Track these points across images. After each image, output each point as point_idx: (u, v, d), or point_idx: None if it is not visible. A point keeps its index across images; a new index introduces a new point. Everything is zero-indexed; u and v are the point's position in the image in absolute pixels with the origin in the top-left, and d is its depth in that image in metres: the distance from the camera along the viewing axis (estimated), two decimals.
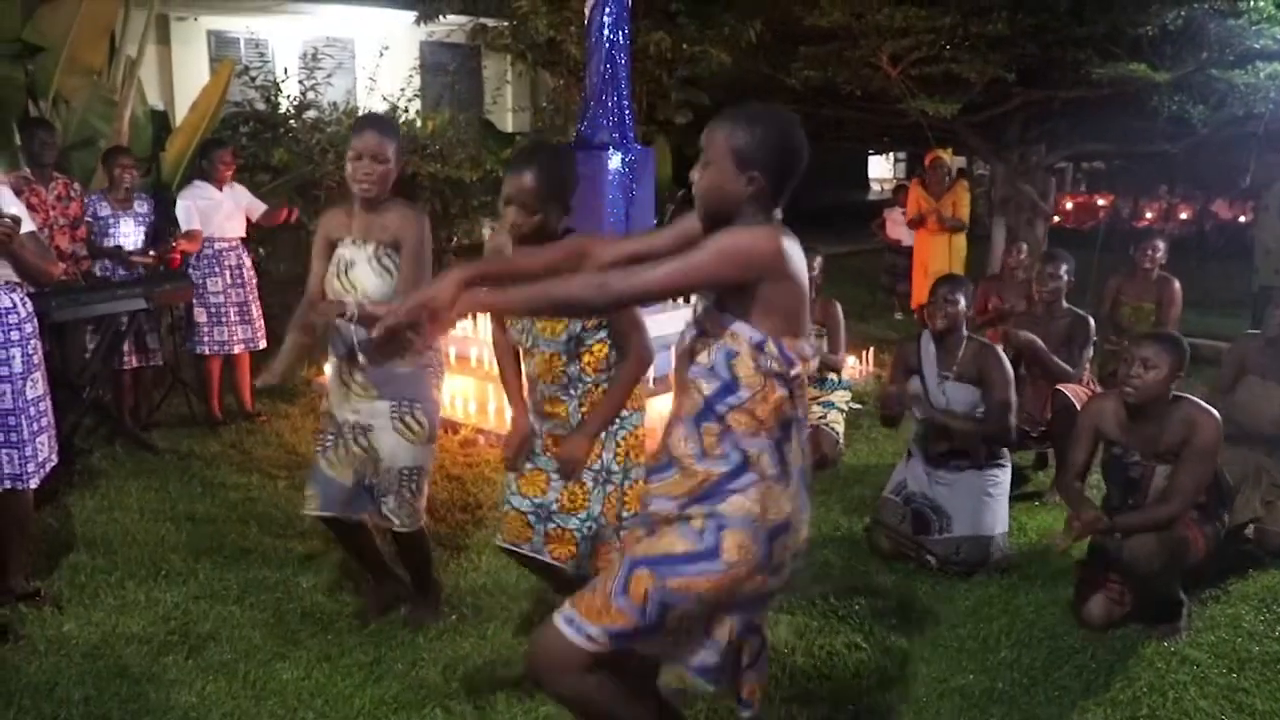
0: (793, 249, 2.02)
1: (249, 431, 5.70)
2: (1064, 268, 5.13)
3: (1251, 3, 7.87)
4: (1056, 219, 15.32)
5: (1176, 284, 5.82)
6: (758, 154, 2.03)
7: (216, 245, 5.68)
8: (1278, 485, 4.19)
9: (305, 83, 8.90)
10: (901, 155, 26.13)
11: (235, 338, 5.74)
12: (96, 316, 5.13)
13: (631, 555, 2.14)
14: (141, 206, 5.64)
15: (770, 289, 2.00)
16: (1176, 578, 3.47)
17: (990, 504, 4.06)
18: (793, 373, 2.06)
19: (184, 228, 5.58)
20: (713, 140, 2.08)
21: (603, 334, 2.86)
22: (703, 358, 2.09)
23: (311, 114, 8.75)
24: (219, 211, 5.67)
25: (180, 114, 8.44)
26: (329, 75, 9.16)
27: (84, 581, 3.75)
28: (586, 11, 5.97)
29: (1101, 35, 8.55)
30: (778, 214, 2.11)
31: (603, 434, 2.90)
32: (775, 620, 3.40)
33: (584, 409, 2.90)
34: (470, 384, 5.92)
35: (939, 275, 7.14)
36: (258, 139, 8.50)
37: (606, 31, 5.84)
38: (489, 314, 2.81)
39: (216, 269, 5.68)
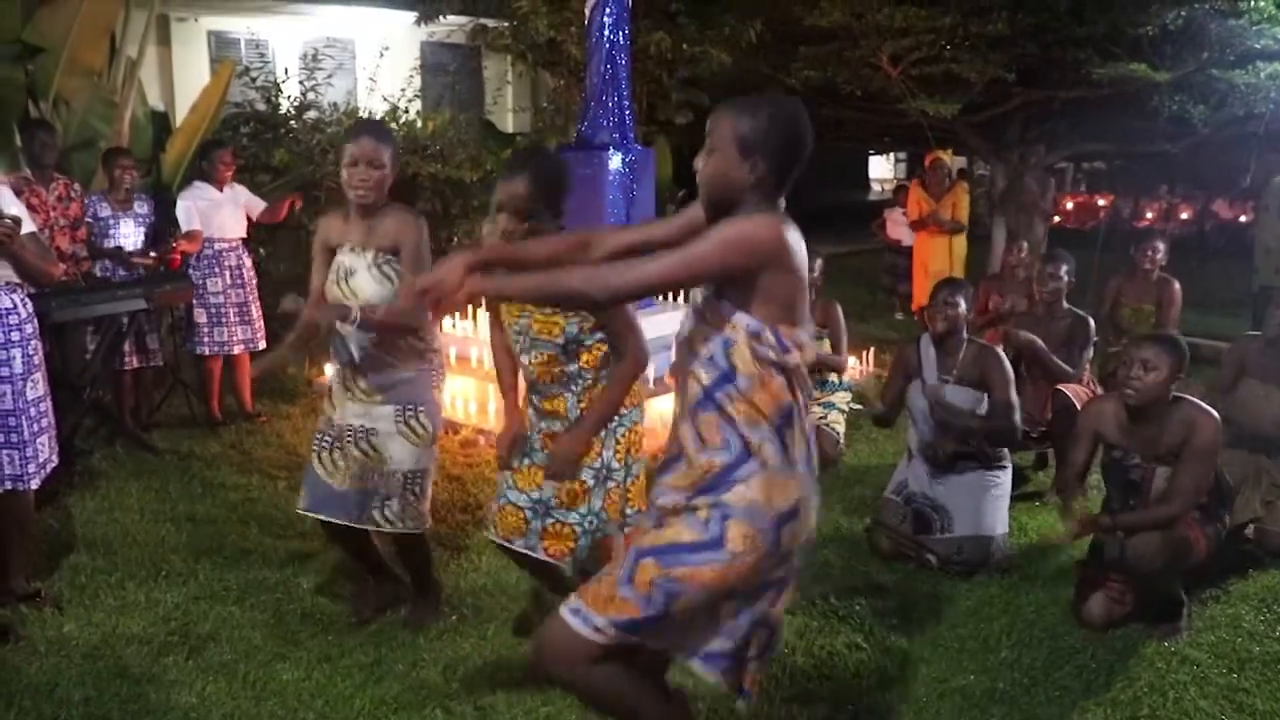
0: (795, 239, 2.02)
1: (249, 432, 5.70)
2: (1064, 268, 5.13)
3: (1252, 3, 7.87)
4: (1057, 219, 15.31)
5: (1176, 285, 5.82)
6: (762, 141, 2.03)
7: (216, 246, 5.68)
8: (1278, 485, 4.19)
9: (306, 83, 8.90)
10: (902, 155, 26.14)
11: (235, 338, 5.74)
12: (97, 317, 5.13)
13: (638, 546, 2.15)
14: (142, 207, 5.64)
15: (770, 278, 2.01)
16: (1178, 577, 3.47)
17: (992, 504, 4.06)
18: (789, 361, 2.06)
19: (184, 228, 5.58)
20: (717, 127, 2.08)
21: (600, 335, 2.86)
22: (701, 347, 2.10)
23: (312, 114, 8.76)
24: (219, 212, 5.67)
25: (181, 115, 8.44)
26: (329, 76, 9.16)
27: (84, 582, 3.75)
28: (587, 12, 5.97)
29: (1102, 35, 8.55)
30: (781, 203, 2.11)
31: (602, 432, 2.90)
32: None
33: (583, 405, 2.91)
34: (470, 384, 5.92)
35: (939, 275, 7.15)
36: (258, 140, 8.51)
37: (607, 32, 5.84)
38: (488, 303, 2.81)
39: (216, 269, 5.68)
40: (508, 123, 12.38)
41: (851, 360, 6.70)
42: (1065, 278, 5.12)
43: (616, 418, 2.93)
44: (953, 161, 9.57)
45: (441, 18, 10.39)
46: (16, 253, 3.26)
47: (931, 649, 3.40)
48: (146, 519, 4.41)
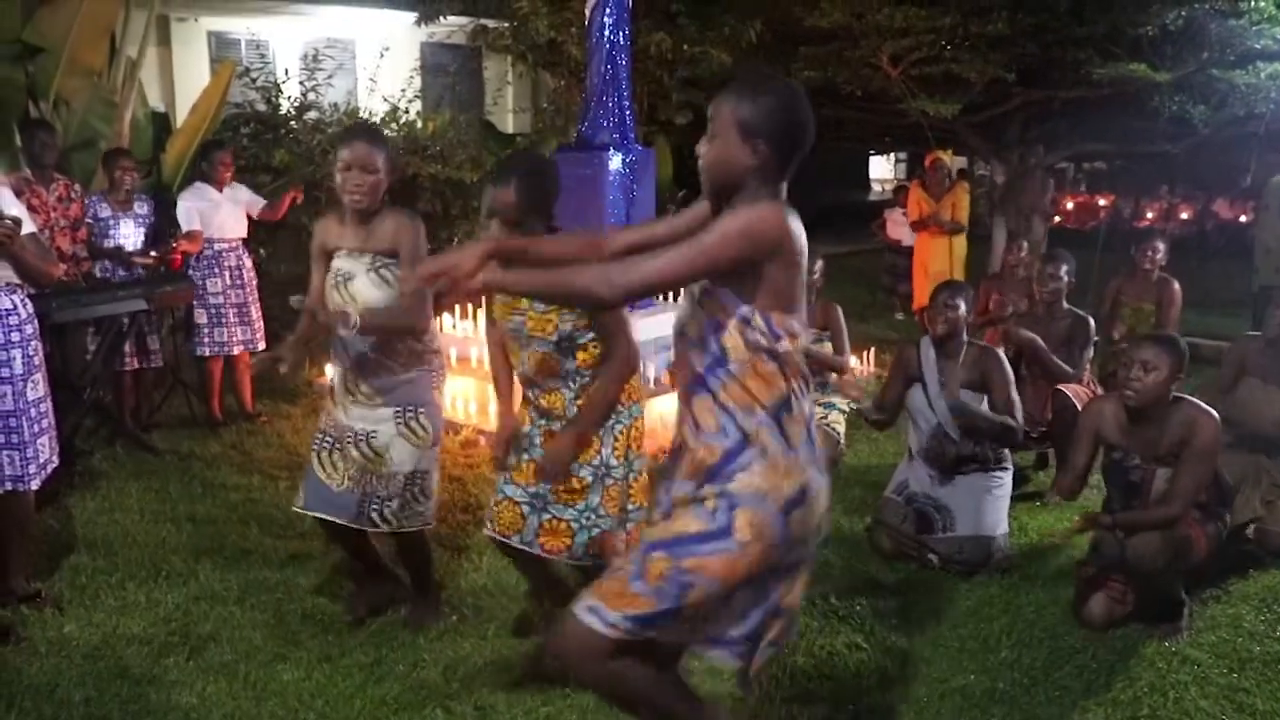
0: (797, 228, 2.02)
1: (249, 432, 5.70)
2: (1064, 268, 5.13)
3: (1252, 3, 7.87)
4: (1057, 219, 15.32)
5: (1176, 285, 5.82)
6: (763, 124, 2.03)
7: (216, 246, 5.68)
8: (1278, 485, 4.19)
9: (306, 84, 8.90)
10: (902, 156, 26.14)
11: (234, 339, 5.74)
12: (97, 318, 5.13)
13: (649, 539, 2.15)
14: (142, 208, 5.64)
15: (771, 268, 2.01)
16: (1179, 577, 3.47)
17: (993, 504, 4.07)
18: (779, 348, 2.05)
19: (184, 229, 5.58)
20: (719, 112, 2.08)
21: (594, 334, 2.87)
22: (693, 331, 2.11)
23: (312, 115, 8.76)
24: (219, 212, 5.67)
25: (181, 115, 8.45)
26: (330, 76, 9.16)
27: (85, 583, 3.75)
28: (587, 12, 5.97)
29: (1102, 35, 8.56)
30: (784, 189, 2.10)
31: (600, 430, 2.91)
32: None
33: (579, 402, 2.92)
34: (471, 385, 5.93)
35: (940, 275, 7.15)
36: (259, 140, 8.51)
37: (607, 32, 5.84)
38: (493, 294, 2.81)
39: (216, 270, 5.68)
40: (508, 123, 12.38)
41: (852, 360, 6.71)
42: (1065, 278, 5.12)
43: (614, 415, 2.93)
44: (953, 162, 9.57)
45: (442, 18, 10.40)
46: (17, 253, 3.26)
47: (932, 649, 3.40)
48: (147, 519, 4.41)
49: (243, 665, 3.19)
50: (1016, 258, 6.43)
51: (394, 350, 3.19)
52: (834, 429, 4.96)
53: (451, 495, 4.70)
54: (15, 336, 3.32)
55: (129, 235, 5.55)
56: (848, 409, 5.16)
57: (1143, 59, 8.37)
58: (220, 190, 5.71)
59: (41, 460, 3.44)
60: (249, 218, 5.89)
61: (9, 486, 3.34)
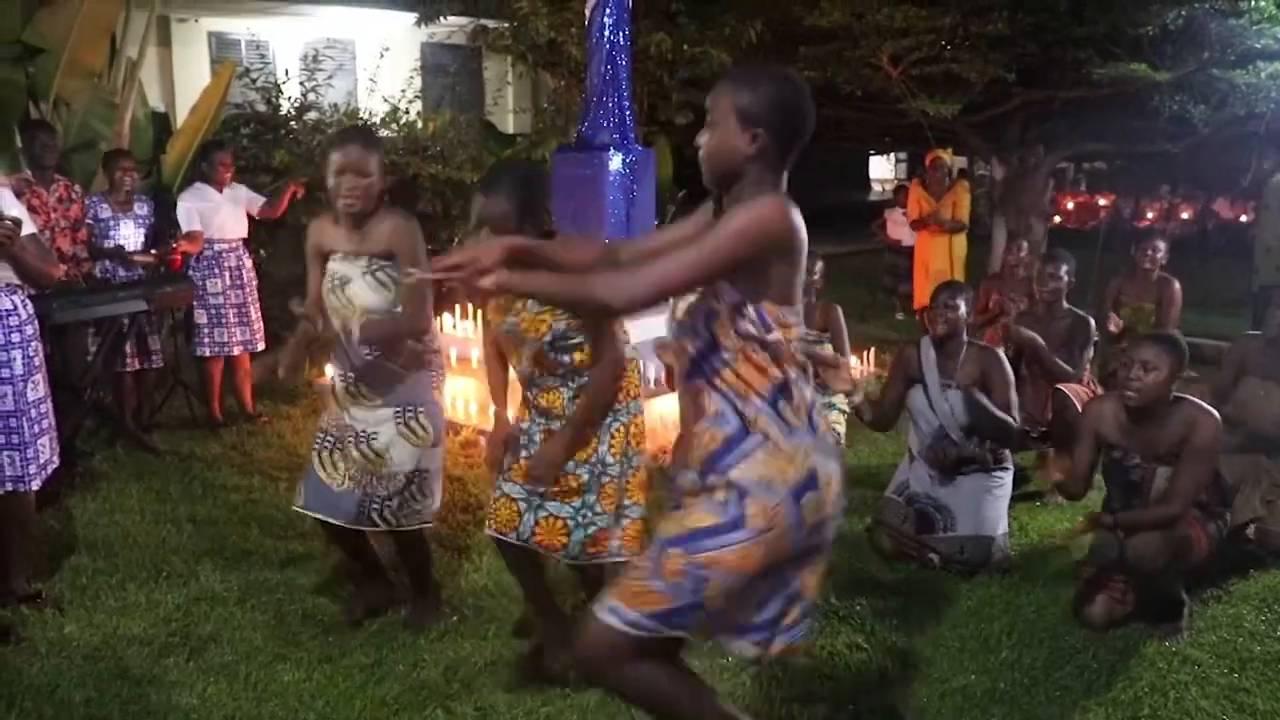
0: (799, 222, 2.02)
1: (250, 433, 5.70)
2: (1064, 268, 5.13)
3: (1252, 2, 7.87)
4: (1057, 219, 15.32)
5: (1176, 284, 5.82)
6: (761, 111, 2.03)
7: (216, 247, 5.68)
8: (1278, 485, 4.19)
9: (306, 84, 8.90)
10: (902, 155, 26.14)
11: (234, 339, 5.75)
12: (98, 318, 5.13)
13: (663, 536, 2.14)
14: (142, 209, 5.65)
15: (770, 261, 2.01)
16: (1179, 577, 3.47)
17: (994, 504, 4.07)
18: (769, 338, 2.05)
19: (184, 229, 5.59)
20: (717, 101, 2.08)
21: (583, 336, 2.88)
22: (686, 316, 2.11)
23: (312, 115, 8.76)
24: (219, 213, 5.68)
25: (181, 116, 8.45)
26: (330, 77, 9.16)
27: (85, 583, 3.76)
28: (587, 13, 5.97)
29: (1102, 35, 8.55)
30: (784, 179, 2.09)
31: (597, 430, 2.92)
32: None
33: (578, 400, 2.92)
34: (471, 385, 5.92)
35: (940, 275, 7.14)
36: (259, 141, 8.51)
37: (607, 32, 5.84)
38: (501, 296, 2.81)
39: (216, 270, 5.69)
40: (508, 124, 12.38)
41: (853, 361, 6.70)
42: (1065, 278, 5.13)
43: (612, 414, 2.93)
44: (953, 161, 9.56)
45: (442, 19, 10.39)
46: (17, 254, 3.26)
47: (933, 649, 3.40)
48: (147, 520, 4.41)
49: (243, 666, 3.19)
50: (1016, 258, 6.43)
51: (394, 351, 3.19)
52: (835, 429, 4.96)
53: (451, 495, 4.70)
54: (16, 337, 3.32)
55: (129, 236, 5.56)
56: (848, 409, 5.16)
57: (1143, 59, 8.36)
58: (220, 191, 5.72)
59: (42, 461, 3.44)
60: (250, 217, 5.89)
61: (9, 487, 3.34)
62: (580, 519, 2.94)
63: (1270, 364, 4.34)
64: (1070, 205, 19.34)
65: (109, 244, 5.51)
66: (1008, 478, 4.16)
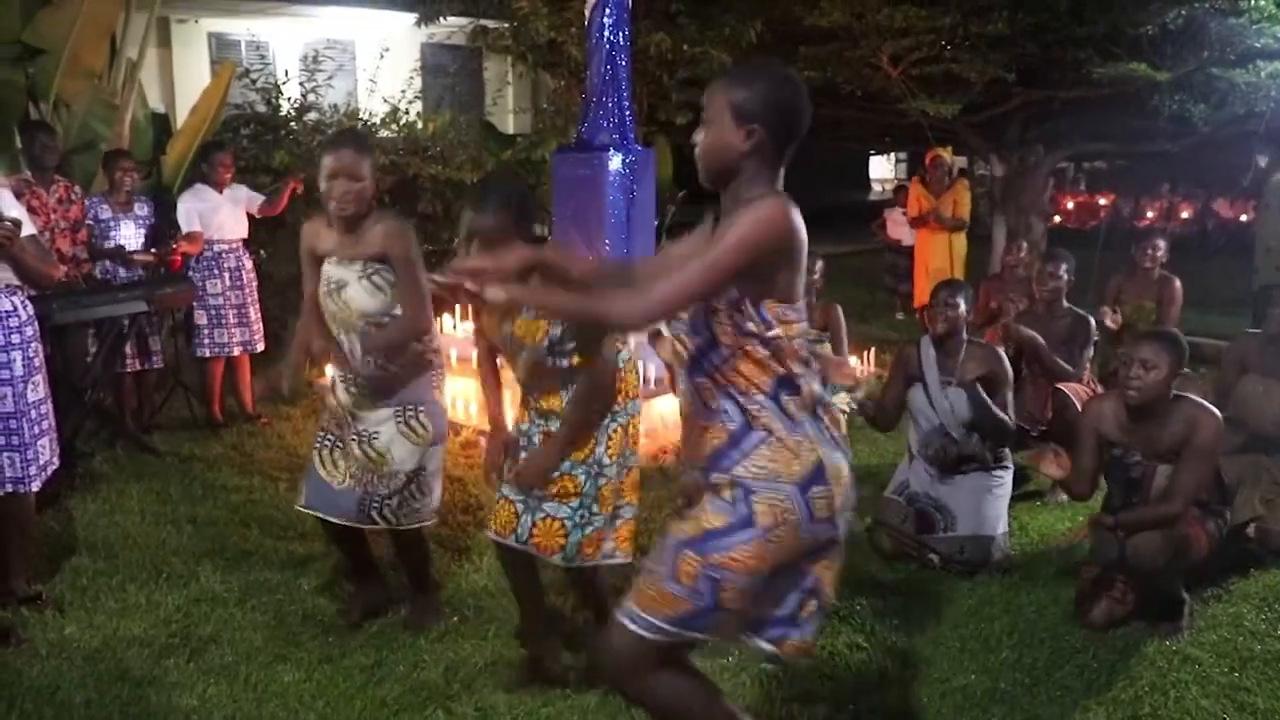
0: (799, 222, 2.01)
1: (250, 434, 5.71)
2: (1064, 267, 5.13)
3: (1252, 2, 7.87)
4: (1057, 218, 15.32)
5: (1177, 283, 5.82)
6: (756, 108, 2.03)
7: (216, 247, 5.69)
8: (1278, 483, 4.18)
9: (306, 85, 8.89)
10: (902, 155, 26.16)
11: (233, 340, 5.75)
12: (98, 319, 5.13)
13: (677, 539, 2.14)
14: (142, 209, 5.65)
15: (772, 262, 2.01)
16: (1180, 575, 3.47)
17: (994, 504, 4.07)
18: (769, 335, 2.04)
19: (184, 230, 5.59)
20: (712, 99, 2.08)
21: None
22: (686, 313, 2.10)
23: (312, 116, 8.75)
24: (219, 214, 5.68)
25: (181, 116, 8.45)
26: (330, 77, 9.15)
27: (85, 584, 3.76)
28: (587, 13, 5.97)
29: (1102, 35, 8.55)
30: (780, 177, 2.09)
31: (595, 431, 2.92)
32: None
33: (568, 407, 2.93)
34: (471, 386, 5.92)
35: (940, 273, 7.12)
36: (259, 141, 8.50)
37: (607, 33, 5.84)
38: (473, 313, 2.83)
39: (216, 271, 5.69)
40: (508, 124, 12.38)
41: (853, 361, 6.70)
42: (1065, 277, 5.12)
43: (610, 415, 2.93)
44: (953, 160, 9.56)
45: (442, 19, 10.38)
46: (17, 255, 3.26)
47: (933, 649, 3.40)
48: (147, 521, 4.41)
49: (243, 667, 3.19)
50: (1016, 257, 6.43)
51: (397, 355, 3.20)
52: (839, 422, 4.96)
53: (452, 496, 4.70)
54: (15, 338, 3.32)
55: (129, 237, 5.56)
56: (848, 409, 5.15)
57: (1143, 58, 8.36)
58: (220, 191, 5.72)
59: (42, 462, 3.44)
60: (250, 217, 5.89)
61: (9, 488, 3.34)
62: (578, 519, 2.94)
63: (1270, 362, 4.34)
64: (1070, 204, 19.35)
65: (109, 245, 5.51)
66: (1008, 477, 4.16)
